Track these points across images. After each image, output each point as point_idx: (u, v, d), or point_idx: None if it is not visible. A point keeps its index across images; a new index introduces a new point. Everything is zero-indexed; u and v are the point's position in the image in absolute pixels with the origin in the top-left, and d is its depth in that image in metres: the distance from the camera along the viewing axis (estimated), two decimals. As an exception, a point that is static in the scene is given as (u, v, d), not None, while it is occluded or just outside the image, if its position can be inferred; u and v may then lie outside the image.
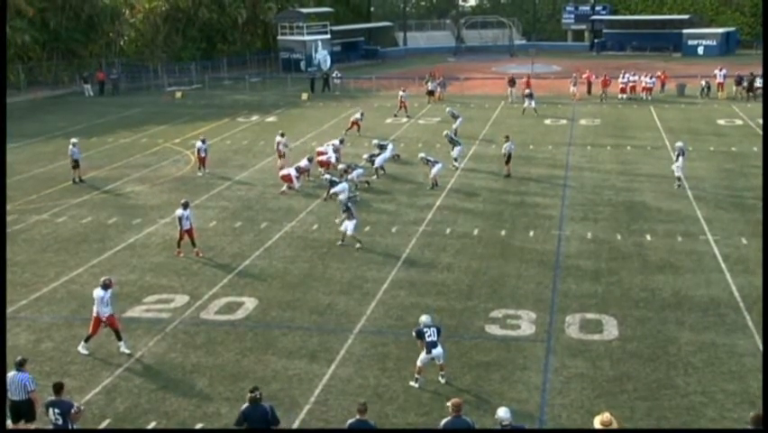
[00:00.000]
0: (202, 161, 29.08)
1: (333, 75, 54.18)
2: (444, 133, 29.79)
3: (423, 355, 13.38)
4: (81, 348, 14.95)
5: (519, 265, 19.04)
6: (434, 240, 21.09)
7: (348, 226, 20.46)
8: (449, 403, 10.96)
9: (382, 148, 29.55)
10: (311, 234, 21.93)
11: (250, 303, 17.16)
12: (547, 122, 38.62)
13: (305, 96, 49.68)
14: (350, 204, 20.78)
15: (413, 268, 19.04)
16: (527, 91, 41.27)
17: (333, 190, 24.31)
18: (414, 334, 13.61)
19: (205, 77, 57.13)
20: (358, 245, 20.30)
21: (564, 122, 38.37)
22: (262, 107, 45.87)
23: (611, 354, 14.51)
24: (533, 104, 40.29)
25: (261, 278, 18.67)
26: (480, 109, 42.69)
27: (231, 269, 19.25)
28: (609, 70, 48.92)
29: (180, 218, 19.83)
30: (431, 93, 46.52)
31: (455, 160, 28.86)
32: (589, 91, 46.36)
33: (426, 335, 13.35)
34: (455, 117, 34.78)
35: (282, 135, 29.55)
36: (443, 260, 19.56)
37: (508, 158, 27.50)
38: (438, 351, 13.37)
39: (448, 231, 21.81)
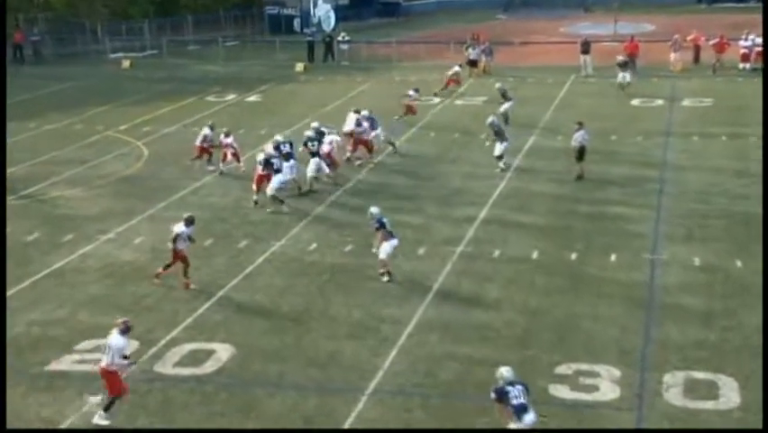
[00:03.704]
0: (206, 151, 29.01)
1: (339, 38, 54.41)
2: (489, 120, 29.54)
3: (513, 426, 13.01)
4: (99, 419, 14.80)
5: (596, 302, 18.93)
6: (476, 266, 21.03)
7: (384, 249, 20.21)
8: None
9: (374, 120, 30.21)
10: (308, 255, 21.92)
11: (223, 352, 17.15)
12: (635, 102, 38.47)
13: (300, 66, 49.88)
14: (384, 219, 20.46)
15: (447, 304, 18.99)
16: (621, 59, 40.88)
17: (309, 173, 26.00)
18: (493, 395, 13.30)
19: (162, 40, 57.56)
20: (385, 278, 20.18)
21: (660, 102, 38.22)
22: (242, 83, 46.12)
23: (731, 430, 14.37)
24: (628, 77, 39.99)
25: (240, 316, 18.67)
26: (541, 86, 42.64)
27: (197, 304, 19.29)
28: (726, 30, 48.69)
29: (177, 237, 19.85)
30: (473, 63, 46.59)
31: (500, 159, 28.52)
32: (696, 59, 46.20)
33: (512, 395, 13.03)
34: (506, 98, 34.56)
35: (228, 135, 28.89)
36: (489, 293, 19.50)
37: (581, 153, 27.42)
38: (531, 418, 13.02)
39: (496, 253, 21.75)
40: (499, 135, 28.71)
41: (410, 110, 35.30)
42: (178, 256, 20.02)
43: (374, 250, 20.71)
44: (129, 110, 39.69)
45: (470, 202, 25.66)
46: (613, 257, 21.34)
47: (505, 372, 13.38)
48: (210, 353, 17.10)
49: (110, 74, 50.23)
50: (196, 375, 16.33)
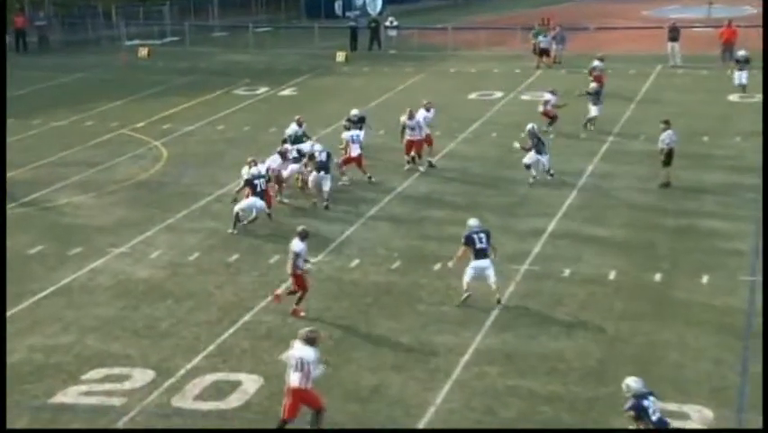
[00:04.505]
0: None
1: (387, 24, 54.55)
2: (529, 127, 28.49)
3: None
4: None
5: (684, 330, 18.75)
6: (544, 286, 20.97)
7: (467, 271, 20.12)
8: None
9: (356, 123, 29.97)
10: (348, 273, 21.94)
11: (250, 383, 17.19)
12: (732, 98, 38.14)
13: (341, 56, 50.03)
14: (478, 234, 20.12)
15: (510, 331, 18.91)
16: (742, 54, 39.93)
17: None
18: (631, 412, 13.41)
19: (184, 25, 58.08)
20: (465, 294, 20.13)
21: (762, 97, 37.78)
22: (274, 74, 46.41)
23: (838, 480, 14.15)
24: (744, 78, 38.67)
25: (269, 343, 18.70)
26: (622, 78, 42.38)
27: (221, 328, 19.36)
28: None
29: (298, 256, 19.76)
30: (544, 52, 46.44)
31: (529, 168, 27.79)
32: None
33: (651, 411, 13.26)
34: (595, 96, 33.49)
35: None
36: (558, 319, 19.41)
37: (668, 156, 27.22)
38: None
39: (567, 272, 21.68)
40: (538, 147, 27.86)
41: (548, 116, 33.65)
42: (298, 280, 19.87)
43: (449, 264, 20.72)
44: (146, 105, 40.09)
45: (538, 213, 25.59)
46: (705, 278, 21.14)
47: (632, 383, 13.58)
48: (235, 385, 17.12)
49: (125, 64, 50.71)
50: (220, 410, 16.35)
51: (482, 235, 20.23)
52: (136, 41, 55.82)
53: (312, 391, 15.02)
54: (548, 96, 33.92)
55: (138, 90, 43.18)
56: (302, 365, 14.93)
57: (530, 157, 27.90)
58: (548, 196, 26.89)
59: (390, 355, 18.09)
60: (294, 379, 14.97)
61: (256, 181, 24.73)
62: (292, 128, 29.67)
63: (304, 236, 19.93)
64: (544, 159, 27.98)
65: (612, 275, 21.46)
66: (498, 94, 40.08)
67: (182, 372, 17.64)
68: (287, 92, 42.71)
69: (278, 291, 20.22)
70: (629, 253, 22.70)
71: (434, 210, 25.87)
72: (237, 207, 24.76)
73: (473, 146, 32.45)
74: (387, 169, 29.40)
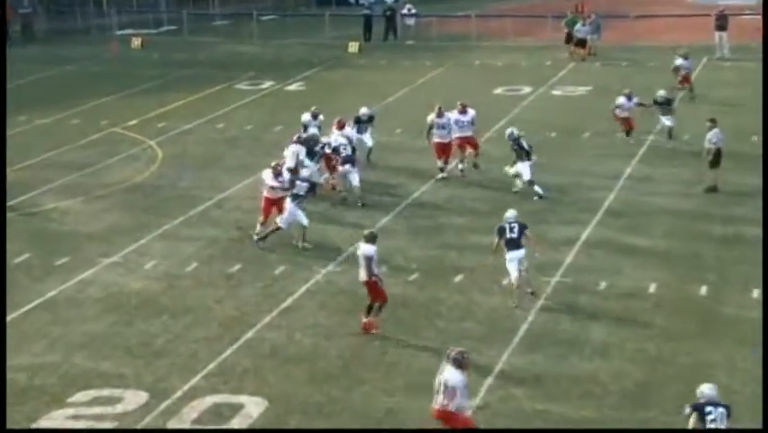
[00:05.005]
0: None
1: (404, 11, 54.59)
2: (508, 132, 28.31)
3: None
4: None
5: (732, 349, 18.69)
6: (577, 300, 20.95)
7: (507, 267, 20.51)
8: None
9: (362, 123, 29.99)
10: (360, 286, 21.77)
11: (254, 406, 17.20)
12: (785, 93, 38.01)
13: (354, 46, 50.04)
14: (509, 224, 20.53)
15: (539, 350, 18.89)
16: None
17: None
18: (687, 410, 13.68)
19: (182, 13, 58.19)
20: (512, 303, 20.28)
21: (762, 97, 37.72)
22: (281, 67, 46.46)
23: None
24: None
25: (274, 362, 18.74)
26: (663, 72, 42.10)
27: (221, 346, 19.39)
28: None
29: (371, 260, 19.69)
30: (581, 43, 46.33)
31: (532, 184, 27.27)
32: None
33: (709, 418, 13.50)
34: (664, 104, 32.38)
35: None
36: (593, 336, 19.39)
37: (715, 157, 27.15)
38: None
39: (602, 285, 21.66)
40: (521, 154, 27.56)
41: (627, 124, 32.60)
42: (374, 288, 19.80)
43: (489, 259, 20.92)
44: (140, 101, 40.19)
45: (570, 220, 25.60)
46: (755, 293, 21.05)
47: (707, 389, 13.93)
48: (237, 408, 17.14)
49: (117, 56, 50.86)
50: (220, 436, 16.41)
51: (514, 225, 20.59)
52: (129, 31, 55.96)
53: (455, 416, 14.84)
54: (621, 99, 32.32)
55: (131, 85, 43.25)
56: (445, 388, 14.83)
57: (527, 171, 27.32)
58: (581, 201, 26.90)
59: (405, 375, 18.06)
60: (437, 401, 14.95)
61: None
62: (305, 117, 29.81)
63: (372, 239, 19.87)
64: (525, 167, 27.39)
65: (652, 288, 21.44)
66: (527, 89, 40.05)
67: (179, 393, 17.66)
68: (294, 87, 42.76)
69: (364, 320, 19.87)
70: (671, 265, 22.68)
71: (455, 217, 25.86)
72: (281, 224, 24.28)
73: (498, 146, 32.21)
74: (403, 172, 29.40)
